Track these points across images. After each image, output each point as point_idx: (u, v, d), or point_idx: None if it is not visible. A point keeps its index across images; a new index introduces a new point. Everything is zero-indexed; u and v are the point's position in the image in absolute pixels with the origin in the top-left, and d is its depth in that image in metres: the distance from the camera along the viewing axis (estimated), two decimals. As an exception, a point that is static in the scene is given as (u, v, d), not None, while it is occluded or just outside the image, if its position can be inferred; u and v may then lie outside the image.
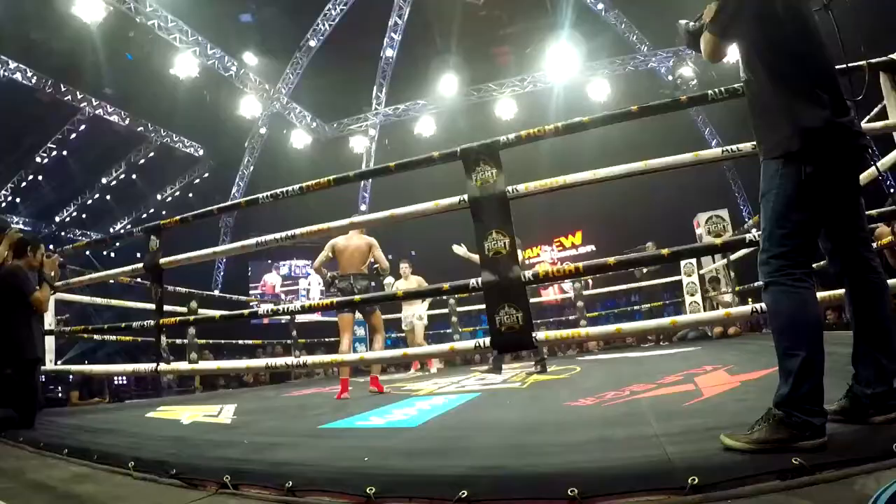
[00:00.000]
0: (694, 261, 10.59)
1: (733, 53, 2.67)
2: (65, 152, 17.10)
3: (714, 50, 2.64)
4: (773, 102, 2.39)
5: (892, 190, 9.50)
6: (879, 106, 3.75)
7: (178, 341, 8.34)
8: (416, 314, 9.33)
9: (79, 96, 15.52)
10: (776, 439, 2.10)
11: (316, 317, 15.16)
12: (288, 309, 4.96)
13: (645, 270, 11.71)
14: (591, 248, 19.43)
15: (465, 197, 3.47)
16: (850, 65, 2.50)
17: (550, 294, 13.80)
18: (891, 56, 3.46)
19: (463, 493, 2.04)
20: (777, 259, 2.31)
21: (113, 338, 8.75)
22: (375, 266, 6.92)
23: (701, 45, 2.72)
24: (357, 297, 5.57)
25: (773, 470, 1.90)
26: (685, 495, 1.85)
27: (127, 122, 16.88)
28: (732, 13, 2.47)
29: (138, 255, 15.31)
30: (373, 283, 6.67)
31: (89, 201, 19.24)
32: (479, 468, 2.47)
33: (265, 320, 14.71)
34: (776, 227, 2.32)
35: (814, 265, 2.40)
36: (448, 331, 10.44)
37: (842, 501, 1.67)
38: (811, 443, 2.06)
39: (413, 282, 8.93)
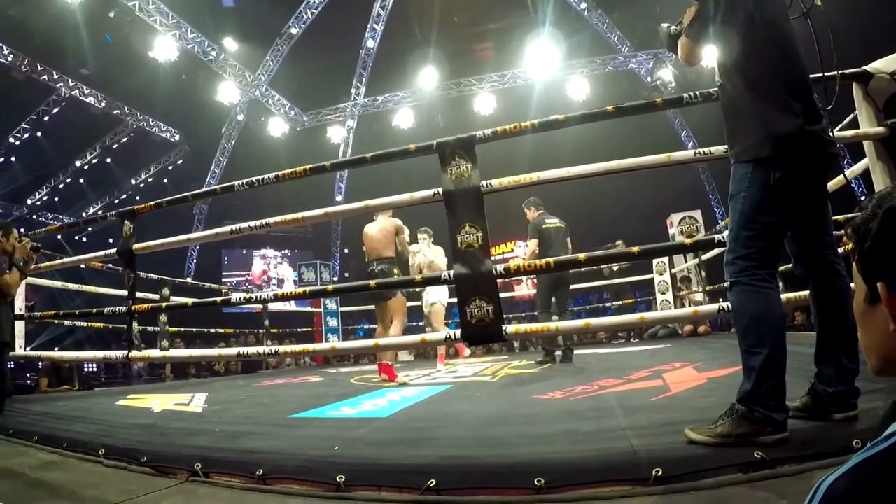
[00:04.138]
0: (666, 260, 10.68)
1: (712, 57, 2.69)
2: (39, 133, 16.74)
3: (689, 54, 2.68)
4: (746, 108, 2.43)
5: (862, 197, 9.71)
6: (851, 115, 3.81)
7: (150, 329, 8.18)
8: (438, 297, 8.31)
9: (55, 76, 15.24)
10: (739, 434, 2.15)
11: (290, 307, 15.09)
12: (260, 297, 4.89)
13: (616, 268, 11.79)
14: (568, 245, 19.40)
15: (440, 190, 3.48)
16: (825, 74, 2.54)
17: (524, 289, 13.82)
18: (864, 68, 3.52)
19: (431, 483, 2.07)
20: (742, 260, 2.35)
21: (84, 324, 8.59)
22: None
23: (678, 49, 2.75)
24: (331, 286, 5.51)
25: (734, 463, 1.95)
26: (649, 486, 1.89)
27: (103, 104, 16.58)
28: (708, 19, 2.50)
29: (110, 240, 15.16)
30: (395, 269, 6.41)
31: (62, 184, 18.90)
32: (447, 458, 2.49)
33: (253, 309, 14.55)
34: (743, 228, 2.37)
35: (780, 268, 2.44)
36: (421, 323, 10.42)
37: (801, 495, 1.70)
38: (773, 437, 2.11)
39: (439, 251, 8.23)
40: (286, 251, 21.81)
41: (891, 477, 0.66)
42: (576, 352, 7.07)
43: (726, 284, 2.42)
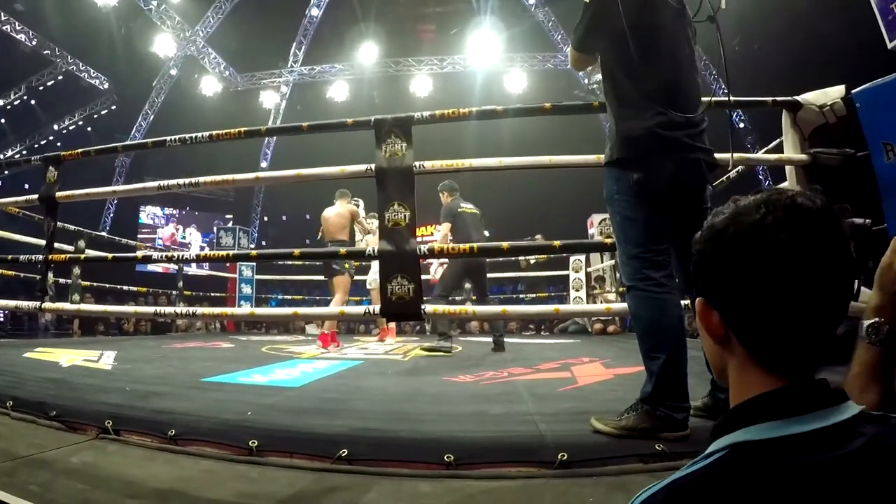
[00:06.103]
0: (583, 258, 10.93)
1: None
2: (-39, 66, 15.64)
3: (574, 60, 2.74)
4: (611, 113, 2.53)
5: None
6: (777, 140, 3.97)
7: (61, 281, 7.86)
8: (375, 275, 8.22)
9: (-14, 8, 14.28)
10: (642, 428, 2.25)
11: (204, 270, 14.72)
12: (182, 257, 4.76)
13: (533, 261, 12.00)
14: (484, 233, 19.64)
15: (373, 166, 3.49)
16: (756, 98, 2.63)
17: (439, 273, 13.95)
18: (795, 97, 3.67)
19: (343, 452, 2.10)
20: (634, 259, 2.41)
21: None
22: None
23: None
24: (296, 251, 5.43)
25: (636, 453, 2.06)
26: (554, 469, 1.96)
27: (34, 42, 15.65)
28: (587, 28, 2.54)
29: (26, 185, 14.34)
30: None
31: (-20, 122, 17.71)
32: (359, 430, 2.51)
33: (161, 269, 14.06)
34: (622, 230, 2.46)
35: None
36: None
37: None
38: (674, 434, 2.22)
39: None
40: (196, 213, 21.23)
41: (700, 496, 0.70)
42: (487, 339, 7.15)
43: (623, 288, 2.49)
